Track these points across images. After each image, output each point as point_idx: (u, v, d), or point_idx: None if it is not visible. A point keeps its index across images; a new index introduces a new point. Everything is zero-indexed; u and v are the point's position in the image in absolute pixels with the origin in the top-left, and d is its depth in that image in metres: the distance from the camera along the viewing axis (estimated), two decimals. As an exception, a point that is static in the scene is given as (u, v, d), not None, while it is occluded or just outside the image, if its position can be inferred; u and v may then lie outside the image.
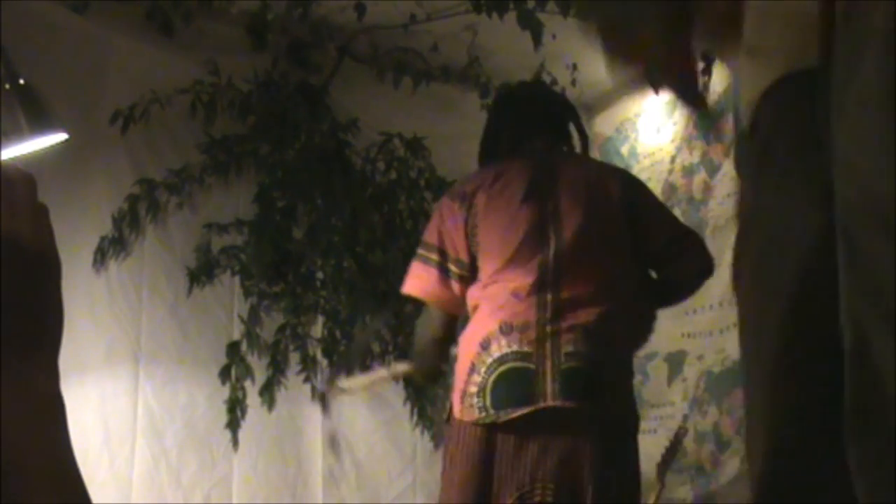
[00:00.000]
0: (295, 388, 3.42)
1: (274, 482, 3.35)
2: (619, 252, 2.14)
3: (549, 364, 1.94)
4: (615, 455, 1.98)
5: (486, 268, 2.11)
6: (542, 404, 1.91)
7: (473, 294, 2.11)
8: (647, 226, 2.19)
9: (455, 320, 2.21)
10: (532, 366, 1.94)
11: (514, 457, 1.92)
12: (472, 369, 1.97)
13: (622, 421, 2.06)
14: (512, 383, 1.93)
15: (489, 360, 1.96)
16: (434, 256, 2.17)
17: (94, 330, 3.15)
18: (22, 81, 2.23)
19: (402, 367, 2.50)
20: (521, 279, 2.02)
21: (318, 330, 3.49)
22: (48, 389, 0.46)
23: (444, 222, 2.17)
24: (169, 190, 3.33)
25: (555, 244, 2.07)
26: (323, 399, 2.87)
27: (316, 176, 3.47)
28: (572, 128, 2.35)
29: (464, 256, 2.14)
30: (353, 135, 3.61)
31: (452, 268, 2.15)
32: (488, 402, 1.92)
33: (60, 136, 2.40)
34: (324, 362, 3.48)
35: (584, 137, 2.35)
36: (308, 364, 3.44)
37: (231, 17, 3.41)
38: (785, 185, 0.95)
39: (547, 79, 3.69)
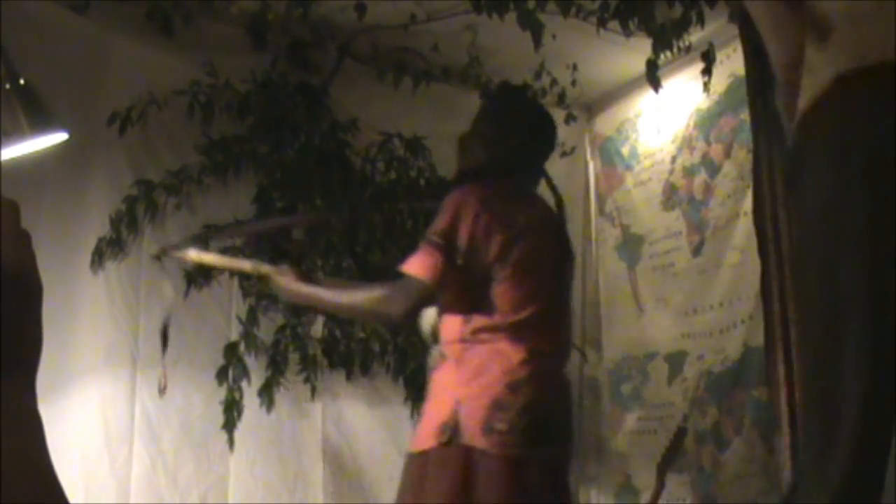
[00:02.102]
0: (293, 389, 3.43)
1: (271, 482, 3.35)
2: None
3: (562, 410, 2.30)
4: None
5: (507, 308, 2.21)
6: (560, 444, 2.27)
7: (490, 326, 2.20)
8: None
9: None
10: (555, 411, 2.25)
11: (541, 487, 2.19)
12: (498, 406, 2.12)
13: None
14: (538, 428, 2.17)
15: (519, 405, 2.14)
16: (457, 256, 2.19)
17: (93, 331, 3.15)
18: (22, 81, 2.23)
19: (268, 268, 2.47)
20: (544, 335, 2.25)
21: (317, 330, 3.49)
22: (28, 408, 0.48)
23: (478, 230, 2.19)
24: (167, 191, 3.32)
25: (563, 307, 2.37)
26: (158, 258, 2.73)
27: (315, 176, 3.47)
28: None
29: (478, 267, 2.20)
30: (352, 135, 3.61)
31: (463, 265, 2.19)
32: (518, 440, 2.13)
33: (60, 136, 2.40)
34: (324, 362, 3.48)
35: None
36: (308, 364, 3.44)
37: (231, 17, 3.41)
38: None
39: (547, 79, 3.69)
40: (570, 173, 4.23)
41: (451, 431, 2.10)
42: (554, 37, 3.17)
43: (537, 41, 3.09)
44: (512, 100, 2.63)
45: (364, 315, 2.54)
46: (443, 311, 2.27)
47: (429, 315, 2.40)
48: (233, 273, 3.12)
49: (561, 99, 3.84)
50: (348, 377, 3.50)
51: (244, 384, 3.34)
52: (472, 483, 2.08)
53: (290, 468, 3.39)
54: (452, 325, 2.23)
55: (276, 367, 3.40)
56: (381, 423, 3.56)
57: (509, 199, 2.30)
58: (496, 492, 2.08)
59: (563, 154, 4.08)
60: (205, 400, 3.29)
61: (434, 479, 2.11)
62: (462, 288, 2.20)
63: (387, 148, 3.64)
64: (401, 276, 2.22)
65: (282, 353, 3.41)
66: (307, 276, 2.44)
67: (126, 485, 3.13)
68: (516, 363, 2.16)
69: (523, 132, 2.41)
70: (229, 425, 3.29)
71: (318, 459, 3.43)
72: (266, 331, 3.41)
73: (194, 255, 2.62)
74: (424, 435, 2.17)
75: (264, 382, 3.38)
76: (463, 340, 2.19)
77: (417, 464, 2.16)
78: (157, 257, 2.74)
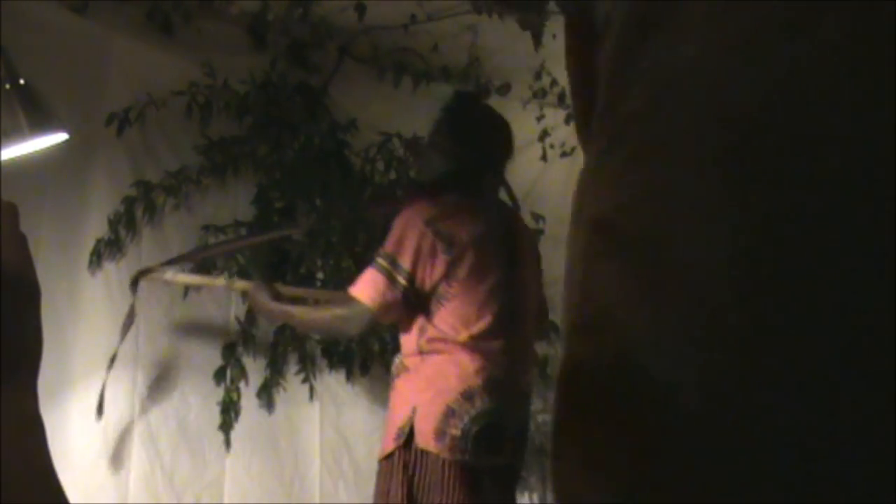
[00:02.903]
0: (292, 389, 3.42)
1: (268, 483, 3.35)
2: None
3: (515, 420, 2.38)
4: None
5: (458, 324, 2.33)
6: (506, 456, 2.35)
7: (444, 338, 2.31)
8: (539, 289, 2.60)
9: None
10: (508, 421, 2.33)
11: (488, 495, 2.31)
12: (452, 413, 2.23)
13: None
14: (490, 436, 2.27)
15: (473, 412, 2.24)
16: (401, 279, 2.30)
17: (92, 332, 3.15)
18: (22, 81, 2.23)
19: (242, 283, 2.62)
20: (498, 346, 2.34)
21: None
22: (29, 410, 0.48)
23: (422, 253, 2.30)
24: (166, 192, 3.32)
25: (517, 314, 2.42)
26: (134, 283, 2.87)
27: (315, 176, 3.47)
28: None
29: (424, 287, 2.32)
30: (352, 135, 3.61)
31: (406, 287, 2.30)
32: (470, 447, 2.23)
33: (60, 136, 2.40)
34: (323, 362, 3.48)
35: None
36: (307, 365, 3.44)
37: (231, 17, 3.41)
38: None
39: (547, 79, 3.69)
40: (569, 173, 4.23)
41: (406, 435, 2.23)
42: (554, 37, 3.18)
43: (537, 41, 3.09)
44: (466, 109, 2.66)
45: (326, 332, 2.75)
46: (399, 325, 2.39)
47: None
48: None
49: (561, 99, 3.85)
50: (348, 377, 3.50)
51: (241, 385, 3.34)
52: (422, 485, 2.20)
53: (287, 469, 3.39)
54: (409, 338, 2.36)
55: (276, 368, 3.40)
56: (380, 423, 3.55)
57: (456, 215, 2.39)
58: (444, 495, 2.19)
59: (564, 154, 4.08)
60: (202, 400, 3.29)
61: (393, 479, 2.23)
62: (411, 305, 2.32)
63: (386, 148, 3.64)
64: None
65: (281, 354, 3.41)
66: (278, 292, 2.62)
67: (124, 485, 3.13)
68: (472, 372, 2.29)
69: (478, 140, 2.51)
70: (226, 426, 3.29)
71: (315, 460, 3.43)
72: (265, 331, 3.41)
73: (170, 275, 2.83)
74: (386, 440, 2.31)
75: (263, 383, 3.38)
76: (420, 352, 2.32)
77: (385, 468, 2.28)
78: (134, 283, 2.87)
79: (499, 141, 2.56)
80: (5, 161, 2.25)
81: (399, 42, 3.53)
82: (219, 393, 3.30)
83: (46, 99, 2.33)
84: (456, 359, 2.29)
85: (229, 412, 3.29)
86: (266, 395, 3.37)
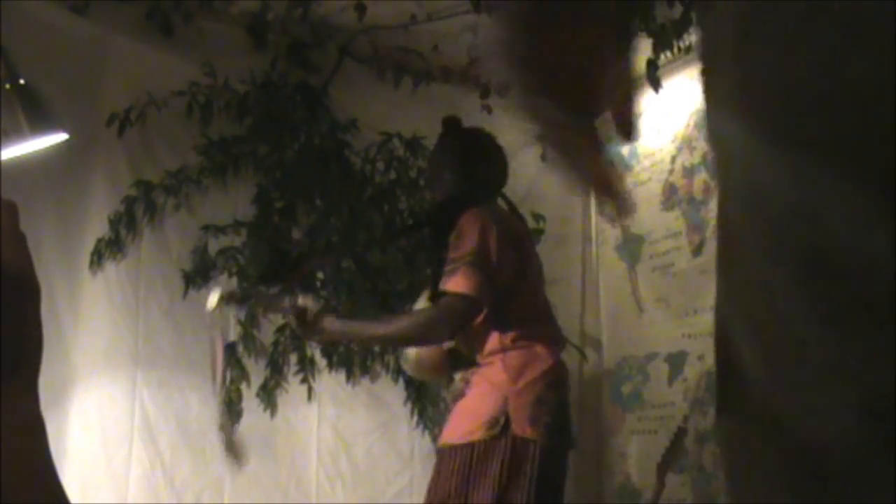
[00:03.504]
0: (291, 389, 3.42)
1: (267, 483, 3.35)
2: None
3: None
4: None
5: (533, 319, 2.50)
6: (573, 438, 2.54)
7: (524, 335, 2.44)
8: None
9: None
10: (570, 409, 2.53)
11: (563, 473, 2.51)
12: (541, 401, 2.39)
13: None
14: (569, 422, 2.49)
15: (556, 400, 2.42)
16: (491, 271, 2.39)
17: (92, 332, 3.15)
18: (22, 81, 2.23)
19: (311, 305, 2.51)
20: (556, 339, 2.56)
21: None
22: (31, 410, 0.48)
23: (501, 249, 2.41)
24: (166, 192, 3.32)
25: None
26: (222, 303, 2.60)
27: (315, 176, 3.47)
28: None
29: (501, 282, 2.42)
30: (352, 135, 3.61)
31: (495, 279, 2.40)
32: (556, 431, 2.42)
33: (60, 136, 2.40)
34: (322, 363, 3.48)
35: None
36: (306, 365, 3.44)
37: (231, 17, 3.41)
38: None
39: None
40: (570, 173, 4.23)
41: (501, 424, 2.34)
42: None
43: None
44: (469, 133, 2.77)
45: (410, 340, 2.59)
46: (479, 326, 2.45)
47: (408, 353, 2.68)
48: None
49: (561, 99, 3.84)
50: (348, 378, 3.50)
51: (240, 385, 3.35)
52: (521, 468, 2.35)
53: (285, 469, 3.39)
54: (490, 338, 2.44)
55: (276, 368, 3.40)
56: (379, 424, 3.56)
57: (507, 219, 2.55)
58: (540, 476, 2.36)
59: (563, 154, 4.08)
60: (202, 400, 3.28)
61: (485, 466, 2.35)
62: (493, 303, 2.41)
63: (386, 148, 3.64)
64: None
65: (281, 354, 3.41)
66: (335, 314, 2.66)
67: (124, 485, 3.13)
68: (551, 364, 2.45)
69: (487, 161, 2.65)
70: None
71: (314, 460, 3.44)
72: (265, 331, 3.41)
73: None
74: (469, 428, 2.38)
75: (262, 383, 3.38)
76: (504, 350, 2.42)
77: (463, 454, 2.37)
78: (223, 302, 2.63)
79: (502, 161, 2.70)
80: (5, 161, 2.25)
81: (399, 42, 3.52)
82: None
83: (46, 99, 2.34)
84: (536, 352, 2.44)
85: (230, 412, 3.29)
86: (267, 395, 3.37)
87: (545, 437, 2.37)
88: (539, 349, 2.46)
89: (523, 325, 2.45)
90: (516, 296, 2.45)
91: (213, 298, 2.52)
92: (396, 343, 2.87)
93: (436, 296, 2.44)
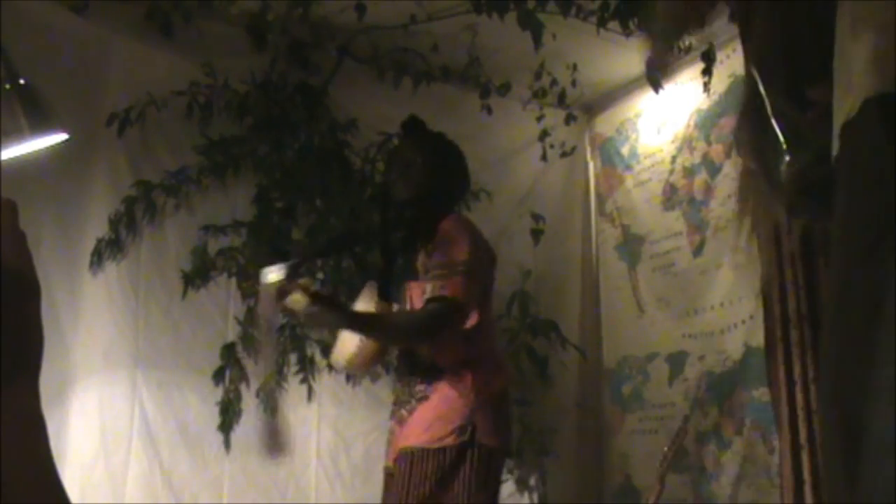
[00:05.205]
0: (290, 390, 3.42)
1: (265, 483, 3.35)
2: None
3: None
4: None
5: (492, 332, 2.62)
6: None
7: (486, 348, 2.53)
8: None
9: None
10: None
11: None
12: (500, 411, 2.49)
13: None
14: (512, 432, 2.65)
15: (509, 411, 2.57)
16: (478, 282, 2.45)
17: (92, 332, 3.15)
18: (22, 81, 2.23)
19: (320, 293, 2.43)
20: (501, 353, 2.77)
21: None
22: (32, 409, 0.48)
23: (485, 261, 2.49)
24: (166, 192, 3.32)
25: None
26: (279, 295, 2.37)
27: (315, 176, 3.47)
28: None
29: (478, 293, 2.48)
30: (352, 135, 3.61)
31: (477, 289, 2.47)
32: (511, 438, 2.61)
33: (60, 136, 2.40)
34: (323, 363, 3.48)
35: None
36: (306, 365, 3.44)
37: (231, 18, 3.41)
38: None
39: (547, 79, 3.69)
40: (570, 173, 4.23)
41: (469, 432, 2.42)
42: (554, 37, 3.17)
43: (537, 41, 3.09)
44: (438, 137, 2.73)
45: (422, 333, 2.50)
46: (448, 335, 2.48)
47: (343, 347, 2.60)
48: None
49: (561, 99, 3.84)
50: (348, 378, 3.50)
51: (239, 385, 3.34)
52: (487, 474, 2.45)
53: (284, 469, 3.39)
54: (458, 346, 2.47)
55: (276, 368, 3.40)
56: (378, 424, 3.55)
57: (479, 233, 2.56)
58: (496, 481, 2.51)
59: (564, 154, 4.08)
60: (201, 400, 3.29)
61: (456, 471, 2.42)
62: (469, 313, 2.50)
63: (386, 148, 3.64)
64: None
65: (280, 354, 3.41)
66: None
67: (122, 485, 3.13)
68: (507, 378, 2.60)
69: (458, 167, 2.66)
70: (226, 426, 3.29)
71: (313, 460, 3.43)
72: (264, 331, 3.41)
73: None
74: (440, 434, 2.43)
75: (262, 383, 3.37)
76: (473, 359, 2.48)
77: (437, 459, 2.43)
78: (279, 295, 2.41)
79: (467, 166, 2.70)
80: (5, 161, 2.25)
81: (399, 42, 3.53)
82: (217, 393, 3.30)
83: (46, 99, 2.33)
84: (499, 364, 2.61)
85: (229, 412, 3.29)
86: (266, 395, 3.37)
87: (504, 446, 2.52)
88: (501, 362, 2.66)
89: (489, 338, 2.58)
90: (486, 309, 2.53)
91: (272, 276, 2.35)
92: (402, 337, 2.69)
93: (385, 294, 2.56)
